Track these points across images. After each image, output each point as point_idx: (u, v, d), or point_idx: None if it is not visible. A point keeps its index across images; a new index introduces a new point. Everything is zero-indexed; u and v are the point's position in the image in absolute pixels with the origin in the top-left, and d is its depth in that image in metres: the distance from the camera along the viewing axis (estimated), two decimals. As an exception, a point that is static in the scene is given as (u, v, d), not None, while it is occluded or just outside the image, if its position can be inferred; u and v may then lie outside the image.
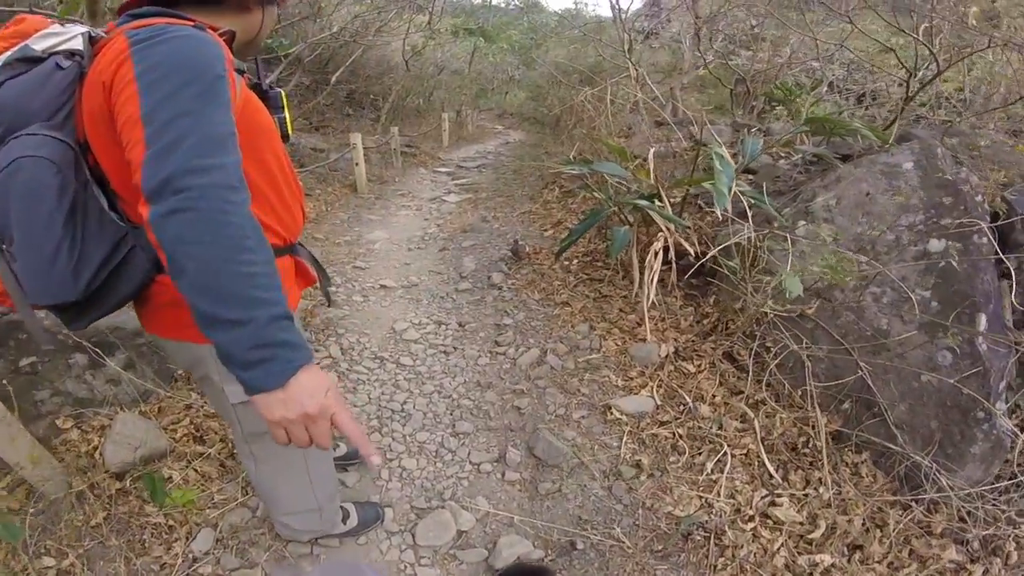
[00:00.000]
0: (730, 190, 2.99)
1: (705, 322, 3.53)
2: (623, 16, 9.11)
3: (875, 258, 2.93)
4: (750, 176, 4.42)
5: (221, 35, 1.12)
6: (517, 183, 7.58)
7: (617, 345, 3.45)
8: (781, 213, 3.39)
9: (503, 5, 32.08)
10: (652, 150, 3.82)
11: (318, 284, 1.66)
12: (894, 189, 3.17)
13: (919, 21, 4.06)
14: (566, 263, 4.45)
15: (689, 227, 3.64)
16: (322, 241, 5.50)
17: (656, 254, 3.37)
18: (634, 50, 8.85)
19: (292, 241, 1.42)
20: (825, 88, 5.85)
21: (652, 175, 3.78)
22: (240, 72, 1.24)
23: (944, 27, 4.24)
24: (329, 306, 1.93)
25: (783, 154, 4.87)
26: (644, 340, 3.38)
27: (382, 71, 12.31)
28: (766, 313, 2.96)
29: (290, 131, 1.37)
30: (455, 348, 3.63)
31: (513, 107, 16.11)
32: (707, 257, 3.29)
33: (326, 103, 11.29)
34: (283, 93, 1.41)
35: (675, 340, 3.40)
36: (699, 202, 4.29)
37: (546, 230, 5.31)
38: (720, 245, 3.22)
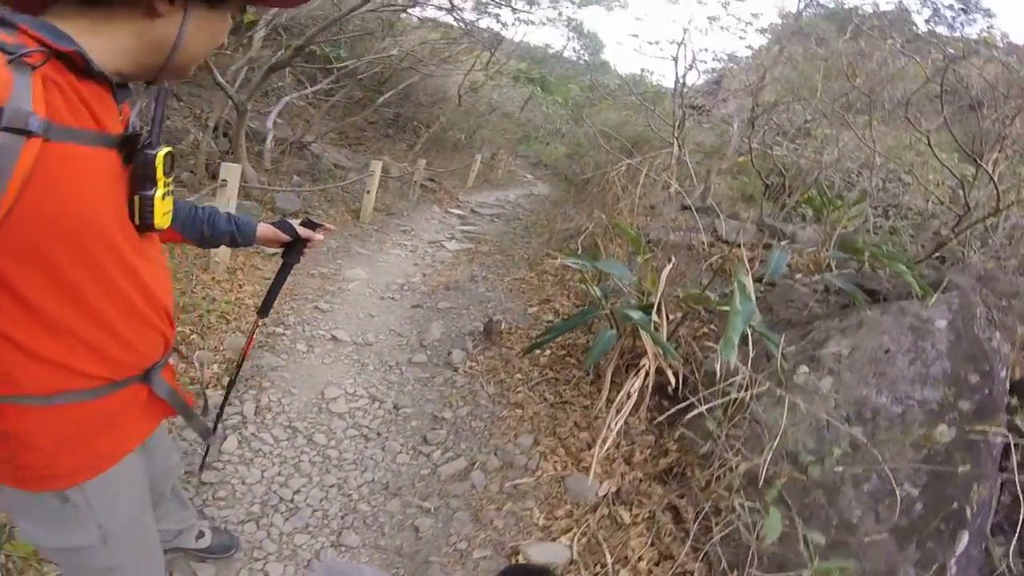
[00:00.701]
0: (741, 335, 2.49)
1: (662, 461, 2.97)
2: (683, 90, 8.79)
3: (872, 433, 2.42)
4: (761, 287, 3.89)
5: (60, 56, 0.79)
6: (523, 242, 7.11)
7: (555, 470, 2.89)
8: (784, 352, 2.86)
9: (574, 58, 32.34)
10: (666, 269, 3.32)
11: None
12: (917, 351, 2.63)
13: (986, 144, 3.58)
14: (539, 356, 3.92)
15: (679, 360, 3.10)
16: (296, 269, 5.02)
17: (639, 380, 2.84)
18: (683, 127, 8.49)
19: (146, 367, 1.12)
20: (867, 206, 5.27)
21: (657, 287, 3.28)
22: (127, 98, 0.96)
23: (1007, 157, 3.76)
24: (206, 439, 1.52)
25: (806, 272, 4.35)
26: (587, 470, 2.83)
27: (434, 100, 12.08)
28: (730, 486, 2.41)
29: (156, 220, 0.97)
30: (379, 435, 3.09)
31: (550, 159, 15.81)
32: (685, 403, 2.74)
33: (370, 120, 11.07)
34: (159, 158, 0.95)
35: (622, 476, 2.84)
36: (702, 311, 3.76)
37: (531, 306, 4.79)
38: (708, 390, 2.70)
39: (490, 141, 14.27)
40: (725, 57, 12.70)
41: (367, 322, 4.32)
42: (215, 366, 3.40)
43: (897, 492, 2.16)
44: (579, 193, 9.04)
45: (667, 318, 3.22)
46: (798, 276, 4.08)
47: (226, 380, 3.25)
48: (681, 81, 8.62)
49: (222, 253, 4.49)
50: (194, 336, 3.59)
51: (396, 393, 3.47)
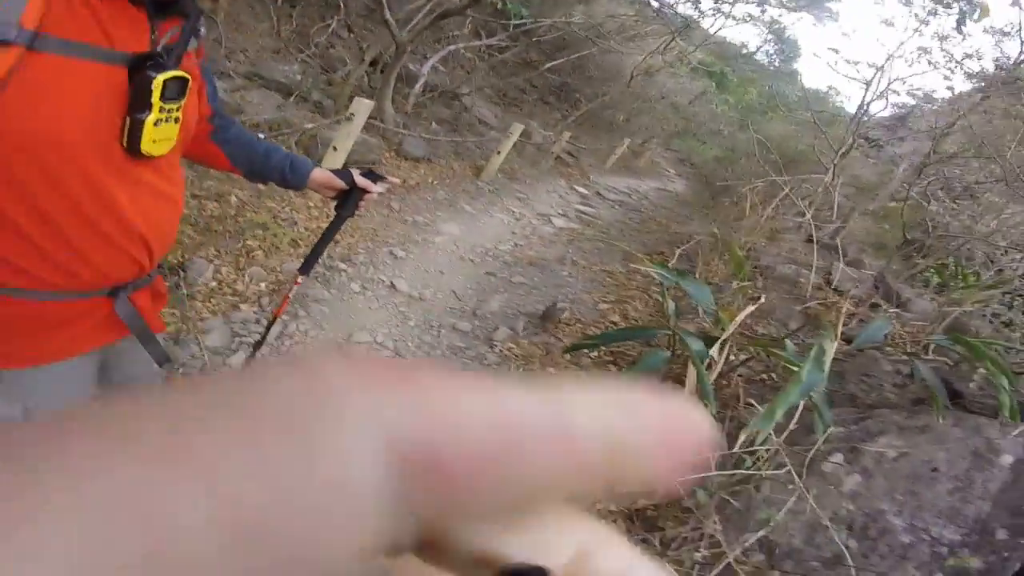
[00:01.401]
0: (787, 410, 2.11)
1: (642, 500, 2.60)
2: (862, 116, 7.79)
3: (864, 554, 2.14)
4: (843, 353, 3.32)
5: None
6: (631, 235, 6.65)
7: None
8: (829, 431, 2.40)
9: (764, 61, 30.06)
10: (747, 310, 2.87)
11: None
12: (966, 482, 2.14)
13: None
14: (582, 355, 3.60)
15: (713, 410, 2.69)
16: (391, 212, 5.04)
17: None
18: (846, 155, 7.57)
19: (111, 285, 1.10)
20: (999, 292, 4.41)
21: (728, 321, 2.86)
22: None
23: None
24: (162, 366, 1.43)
25: (899, 347, 3.65)
26: None
27: (605, 76, 11.66)
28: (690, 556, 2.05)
29: (144, 146, 0.93)
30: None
31: (699, 159, 14.83)
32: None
33: (533, 84, 10.89)
34: (157, 82, 0.91)
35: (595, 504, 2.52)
36: (766, 358, 3.25)
37: (604, 303, 4.42)
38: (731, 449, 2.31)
39: (647, 128, 13.59)
40: (921, 94, 11.10)
41: (433, 278, 4.19)
42: (263, 284, 3.40)
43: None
44: (712, 198, 8.38)
45: (728, 356, 2.80)
46: (887, 349, 3.46)
47: (267, 299, 3.28)
48: (864, 108, 7.63)
49: None
50: (259, 252, 3.61)
51: (421, 355, 3.32)
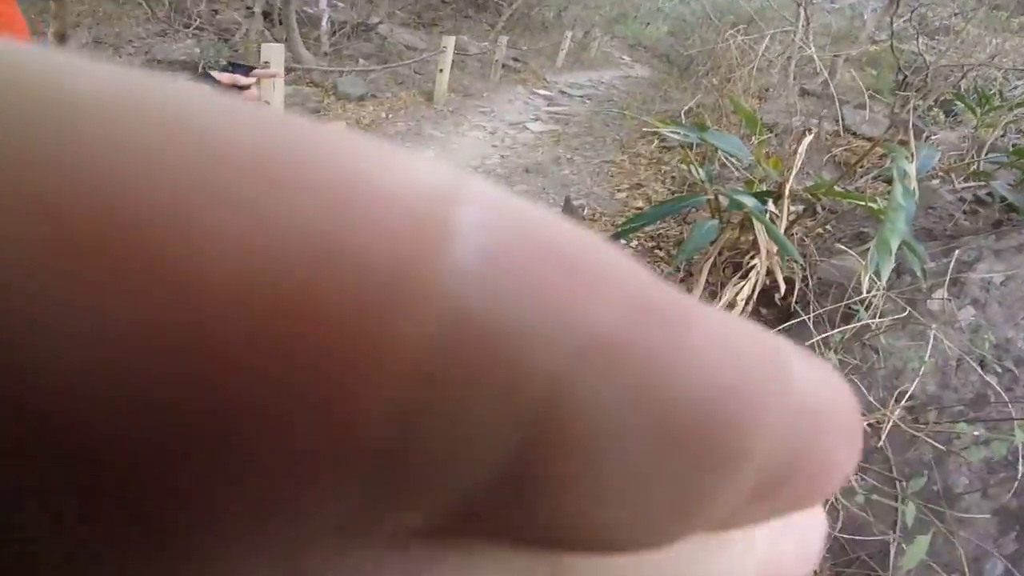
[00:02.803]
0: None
1: None
2: None
3: (1009, 386, 1.93)
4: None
5: None
6: (616, 124, 6.15)
7: None
8: (924, 268, 2.09)
9: None
10: (805, 141, 2.43)
11: None
12: None
13: None
14: (620, 243, 3.18)
15: (800, 261, 2.30)
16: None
17: (747, 283, 2.08)
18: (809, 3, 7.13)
19: None
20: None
21: (784, 170, 2.41)
22: None
23: None
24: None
25: (951, 179, 3.33)
26: None
27: None
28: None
29: None
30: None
31: (649, 41, 14.09)
32: (794, 318, 1.99)
33: (445, 1, 10.14)
34: None
35: None
36: (818, 208, 2.88)
37: (620, 191, 3.98)
38: (831, 306, 1.96)
39: (582, 19, 12.77)
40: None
41: (428, 210, 3.71)
42: None
43: (1019, 468, 1.69)
44: (682, 74, 7.87)
45: (787, 212, 2.40)
46: (935, 183, 3.16)
47: None
48: None
49: None
50: None
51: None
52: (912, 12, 7.08)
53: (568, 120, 6.25)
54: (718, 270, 2.63)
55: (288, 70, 5.72)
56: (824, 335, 2.04)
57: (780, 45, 6.33)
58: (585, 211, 3.56)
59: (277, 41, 5.94)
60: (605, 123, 6.10)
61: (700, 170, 2.81)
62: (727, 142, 2.68)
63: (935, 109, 5.59)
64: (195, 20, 6.05)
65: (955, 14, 7.60)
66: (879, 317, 2.04)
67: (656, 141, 4.98)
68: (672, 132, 2.83)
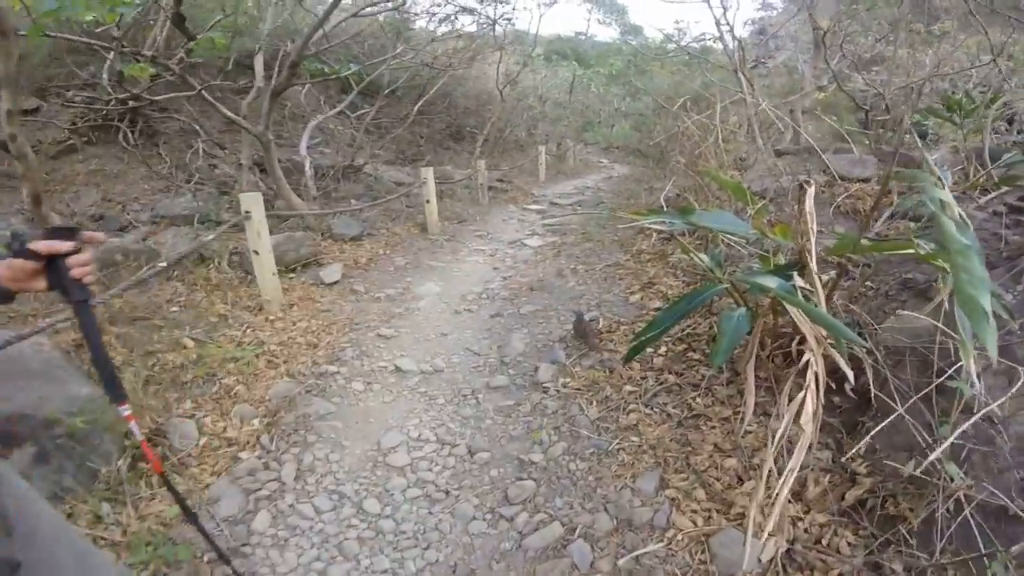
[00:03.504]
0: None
1: (849, 493, 1.95)
2: (732, 31, 7.62)
3: None
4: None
5: None
6: (611, 225, 6.08)
7: (695, 525, 1.92)
8: (1006, 305, 1.82)
9: (605, 40, 30.54)
10: (810, 193, 2.21)
11: None
12: None
13: None
14: (651, 357, 2.90)
15: (863, 340, 2.01)
16: (358, 296, 4.31)
17: (810, 380, 1.78)
18: (751, 72, 7.39)
19: None
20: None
21: (797, 235, 2.18)
22: None
23: None
24: None
25: (971, 196, 3.16)
26: (743, 520, 1.83)
27: (479, 104, 11.38)
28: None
29: None
30: (447, 494, 2.24)
31: (619, 141, 14.61)
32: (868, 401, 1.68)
33: (421, 136, 10.52)
34: None
35: (793, 523, 1.83)
36: (849, 267, 2.64)
37: (632, 293, 3.77)
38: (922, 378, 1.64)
39: (552, 134, 13.31)
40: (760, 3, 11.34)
41: (438, 344, 3.47)
42: (256, 421, 2.67)
43: None
44: (657, 163, 7.95)
45: (821, 284, 2.14)
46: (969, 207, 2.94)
47: (266, 437, 2.52)
48: (727, 23, 7.43)
49: (271, 290, 3.84)
50: (239, 387, 2.90)
51: (471, 432, 2.59)
52: (840, 52, 7.32)
53: (564, 230, 6.18)
54: (766, 364, 2.35)
55: (281, 218, 5.75)
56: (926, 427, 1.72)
57: (735, 116, 6.41)
58: (600, 323, 3.33)
59: (272, 189, 6.03)
60: (600, 226, 6.02)
61: (703, 257, 2.61)
62: (719, 220, 2.47)
63: (908, 135, 5.50)
64: (195, 175, 6.17)
65: (878, 41, 7.87)
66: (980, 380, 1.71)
67: (655, 235, 4.84)
68: (652, 222, 2.64)
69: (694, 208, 2.61)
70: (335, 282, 4.53)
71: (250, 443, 2.53)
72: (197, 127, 6.82)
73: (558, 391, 2.75)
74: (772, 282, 1.96)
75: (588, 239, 5.50)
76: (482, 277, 4.75)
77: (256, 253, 3.81)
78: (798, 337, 2.20)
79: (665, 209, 3.77)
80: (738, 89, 6.72)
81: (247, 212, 3.73)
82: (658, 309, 3.37)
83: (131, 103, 6.06)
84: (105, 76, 5.73)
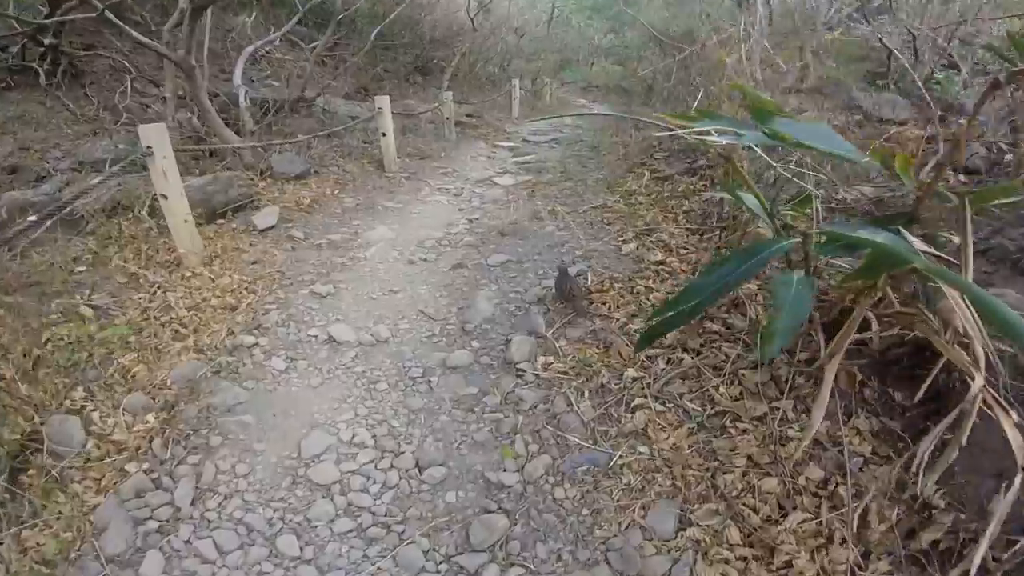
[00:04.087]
0: None
1: (925, 533, 1.36)
2: None
3: None
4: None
5: None
6: (593, 164, 5.29)
7: None
8: None
9: None
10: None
11: None
12: None
13: None
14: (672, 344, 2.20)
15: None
16: (296, 243, 3.51)
17: (970, 405, 1.09)
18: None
19: None
20: None
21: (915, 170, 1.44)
22: None
23: None
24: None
25: None
26: (788, 570, 1.19)
27: (450, 34, 10.25)
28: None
29: None
30: (389, 528, 1.56)
31: (599, 79, 13.59)
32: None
33: (386, 69, 9.45)
34: None
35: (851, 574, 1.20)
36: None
37: (625, 241, 3.03)
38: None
39: (527, 71, 12.23)
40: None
41: (384, 304, 2.71)
42: (150, 417, 1.93)
43: None
44: (645, 99, 7.11)
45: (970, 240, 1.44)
46: None
47: (159, 442, 1.80)
48: None
49: (187, 240, 3.07)
50: (139, 367, 2.19)
51: (420, 434, 1.88)
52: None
53: (540, 168, 5.36)
54: (848, 374, 1.66)
55: (218, 157, 4.86)
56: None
57: (738, 53, 5.64)
58: (589, 279, 2.60)
59: (208, 128, 5.11)
60: (582, 164, 5.23)
61: (756, 197, 1.85)
62: (818, 135, 1.44)
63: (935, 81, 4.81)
64: (123, 116, 5.26)
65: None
66: None
67: (647, 174, 4.09)
68: (701, 133, 1.76)
69: (773, 110, 1.63)
70: (269, 228, 3.71)
71: (141, 449, 1.84)
72: (126, 63, 5.82)
73: (537, 376, 2.03)
74: (887, 240, 1.24)
75: (568, 178, 4.71)
76: (444, 220, 3.96)
77: (164, 197, 3.01)
78: (908, 331, 1.51)
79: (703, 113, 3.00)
80: (734, 24, 5.85)
81: (148, 148, 2.91)
82: (661, 264, 2.64)
83: (48, 41, 5.08)
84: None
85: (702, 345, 2.02)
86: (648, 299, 2.33)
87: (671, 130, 1.62)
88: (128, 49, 5.96)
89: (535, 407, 1.89)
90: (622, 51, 11.75)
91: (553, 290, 2.48)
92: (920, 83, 4.30)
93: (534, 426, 1.82)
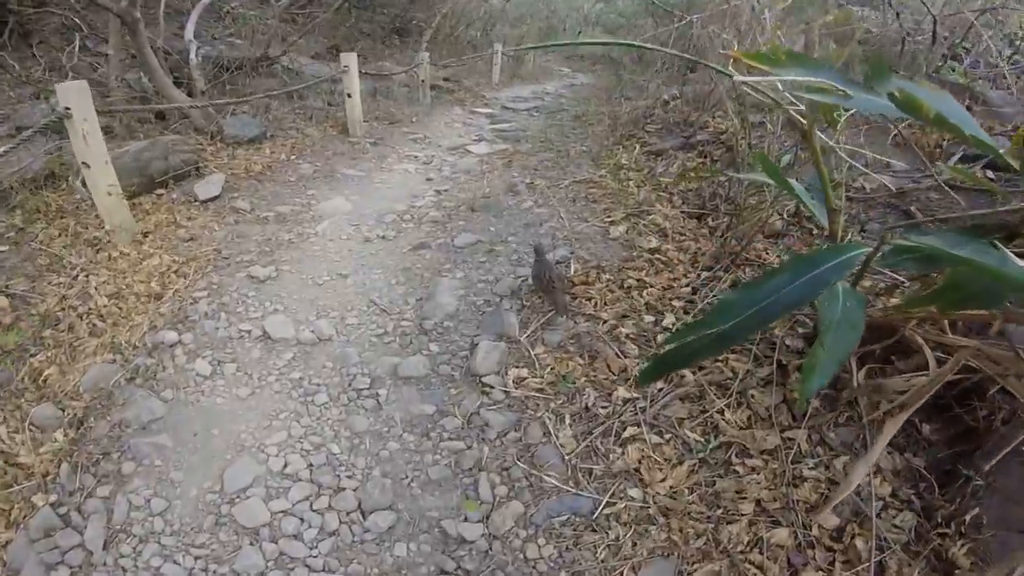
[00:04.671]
0: None
1: None
2: None
3: None
4: None
5: None
6: (578, 133, 4.87)
7: None
8: None
9: None
10: None
11: None
12: None
13: None
14: (645, 325, 1.84)
15: None
16: (240, 216, 3.08)
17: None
18: None
19: None
20: None
21: None
22: None
23: None
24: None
25: None
26: None
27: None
28: None
29: None
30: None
31: (586, 50, 13.05)
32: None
33: (363, 30, 8.85)
34: None
35: None
36: None
37: (614, 223, 2.65)
38: None
39: (510, 37, 11.64)
40: None
41: (331, 291, 2.32)
42: (59, 435, 1.55)
43: None
44: (636, 69, 6.67)
45: None
46: None
47: (67, 467, 1.42)
48: None
49: (115, 214, 2.65)
50: (51, 369, 1.83)
51: (365, 465, 1.51)
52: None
53: (518, 136, 4.93)
54: (872, 403, 1.33)
55: (163, 120, 4.36)
56: None
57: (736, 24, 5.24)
58: (572, 268, 2.22)
59: (152, 83, 4.58)
60: (564, 134, 4.81)
61: (824, 184, 1.41)
62: (953, 111, 1.03)
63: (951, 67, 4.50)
64: (69, 75, 4.72)
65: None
66: None
67: (638, 147, 3.70)
68: (784, 83, 1.17)
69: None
70: (212, 198, 3.26)
71: (49, 475, 1.51)
72: (77, 21, 5.27)
73: (507, 394, 1.66)
74: (1015, 272, 0.87)
75: (549, 148, 4.30)
76: (410, 191, 3.54)
77: (86, 166, 2.56)
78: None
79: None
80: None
81: (67, 109, 2.44)
82: (654, 251, 2.26)
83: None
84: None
85: (711, 367, 1.67)
86: (641, 296, 1.96)
87: (735, 76, 1.19)
88: (82, 5, 5.39)
89: (504, 435, 1.53)
90: (613, 20, 11.22)
91: (529, 280, 2.10)
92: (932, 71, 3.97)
93: (503, 461, 1.46)
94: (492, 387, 1.67)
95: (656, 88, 5.09)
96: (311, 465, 1.53)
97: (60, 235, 2.63)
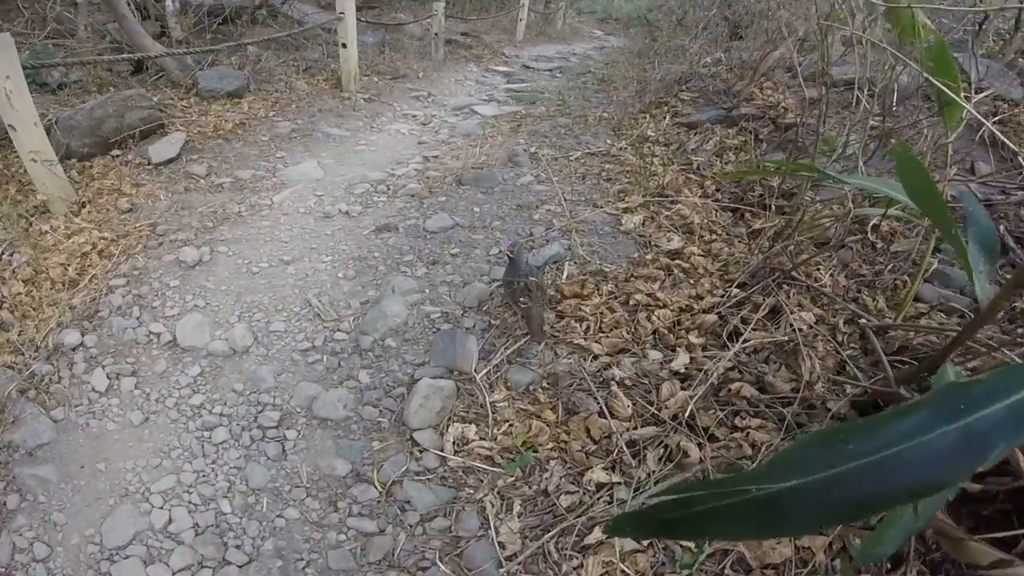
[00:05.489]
0: None
1: None
2: None
3: None
4: None
5: None
6: (600, 97, 4.34)
7: None
8: None
9: None
10: None
11: None
12: None
13: None
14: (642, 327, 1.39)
15: None
16: (193, 182, 2.68)
17: None
18: None
19: None
20: None
21: None
22: None
23: None
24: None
25: None
26: None
27: None
28: None
29: None
30: None
31: (622, 12, 12.23)
32: None
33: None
34: None
35: None
36: None
37: (628, 210, 2.17)
38: None
39: (540, -7, 10.91)
40: None
41: (267, 284, 1.90)
42: None
43: None
44: (673, 33, 6.06)
45: None
46: None
47: None
48: None
49: (47, 182, 2.32)
50: None
51: (255, 535, 1.14)
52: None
53: (533, 98, 4.42)
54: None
55: (139, 68, 3.97)
56: None
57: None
58: (565, 272, 1.77)
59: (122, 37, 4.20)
60: (585, 97, 4.29)
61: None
62: None
63: None
64: (51, 25, 4.39)
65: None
66: None
67: (668, 116, 3.19)
68: None
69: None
70: (168, 160, 2.87)
71: None
72: None
73: (443, 460, 1.23)
74: None
75: (565, 112, 3.80)
76: (394, 156, 3.10)
77: (12, 128, 2.19)
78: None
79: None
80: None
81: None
82: (676, 254, 1.79)
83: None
84: None
85: (720, 422, 1.22)
86: (649, 321, 1.49)
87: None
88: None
89: (428, 520, 1.12)
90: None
91: (501, 286, 1.66)
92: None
93: (420, 557, 1.05)
94: (425, 448, 1.24)
95: (697, 50, 4.51)
96: (196, 525, 1.17)
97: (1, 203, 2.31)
